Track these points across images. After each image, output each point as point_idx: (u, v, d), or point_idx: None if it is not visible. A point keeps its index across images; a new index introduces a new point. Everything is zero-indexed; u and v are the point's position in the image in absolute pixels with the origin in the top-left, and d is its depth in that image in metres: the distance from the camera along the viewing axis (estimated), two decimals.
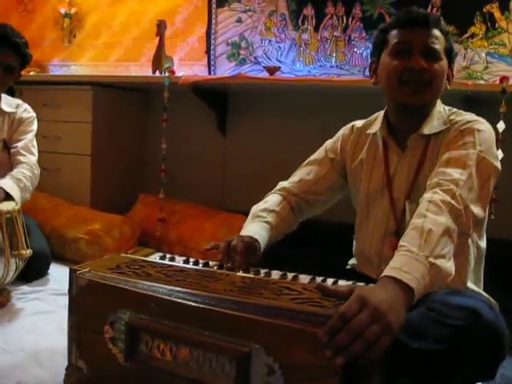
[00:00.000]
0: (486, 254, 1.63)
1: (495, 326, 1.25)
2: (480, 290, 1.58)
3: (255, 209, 1.74)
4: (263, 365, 1.08)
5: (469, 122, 1.52)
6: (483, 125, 1.53)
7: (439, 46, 1.55)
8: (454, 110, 1.63)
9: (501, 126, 2.31)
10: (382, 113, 1.70)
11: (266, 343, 1.08)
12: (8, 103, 2.55)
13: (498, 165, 1.48)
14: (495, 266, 1.83)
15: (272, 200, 1.77)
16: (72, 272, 1.34)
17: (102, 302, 1.28)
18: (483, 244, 1.61)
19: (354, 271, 1.78)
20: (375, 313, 1.04)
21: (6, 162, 2.49)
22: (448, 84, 1.61)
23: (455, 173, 1.39)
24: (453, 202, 1.32)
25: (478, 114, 2.54)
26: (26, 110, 2.58)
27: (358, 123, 1.79)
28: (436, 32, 1.56)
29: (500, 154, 2.27)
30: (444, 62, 1.56)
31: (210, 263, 1.46)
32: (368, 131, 1.73)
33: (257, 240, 1.56)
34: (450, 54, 1.60)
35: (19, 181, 2.35)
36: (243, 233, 1.61)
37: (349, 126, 1.82)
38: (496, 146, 2.18)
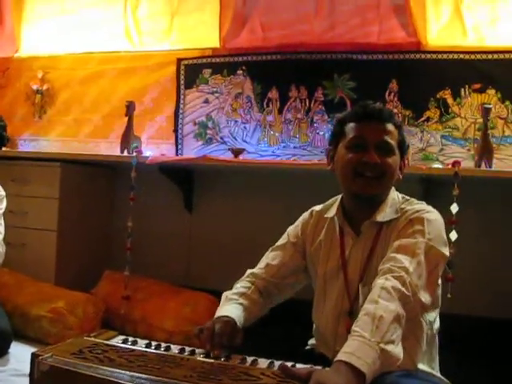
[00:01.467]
0: (443, 329, 1.69)
1: None
2: (432, 371, 1.62)
3: (226, 294, 1.79)
4: None
5: (418, 211, 1.60)
6: (432, 214, 1.61)
7: (392, 140, 1.65)
8: (407, 198, 1.72)
9: (454, 208, 2.39)
10: (339, 198, 1.78)
11: None
12: None
13: (446, 252, 1.56)
14: (451, 340, 1.89)
15: (241, 285, 1.81)
16: (34, 357, 1.35)
17: None
18: (436, 325, 1.66)
19: (313, 351, 1.81)
20: None
21: None
22: (400, 175, 1.70)
23: (405, 260, 1.46)
24: (403, 289, 1.39)
25: (433, 195, 2.70)
26: None
27: (317, 208, 1.87)
28: (389, 126, 1.66)
29: (454, 235, 2.37)
30: (396, 156, 1.66)
31: (172, 347, 1.48)
32: (326, 215, 1.80)
33: (235, 320, 1.60)
34: (403, 146, 1.70)
35: None
36: (219, 314, 1.64)
37: (308, 211, 1.89)
38: (449, 228, 2.30)
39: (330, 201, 1.84)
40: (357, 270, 1.67)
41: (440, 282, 1.61)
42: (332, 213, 1.77)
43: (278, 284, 1.84)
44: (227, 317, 1.60)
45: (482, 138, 2.74)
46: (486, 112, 2.72)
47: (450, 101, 3.07)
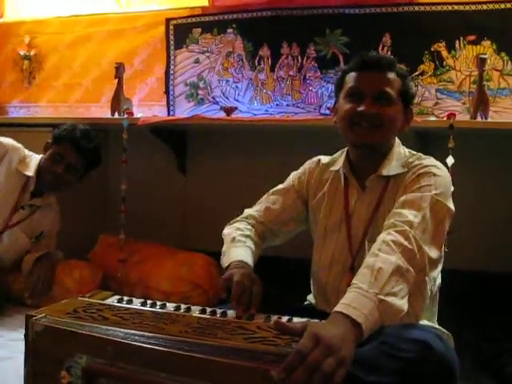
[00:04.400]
0: (443, 285, 1.69)
1: (446, 357, 1.29)
2: (432, 324, 1.62)
3: (231, 234, 1.75)
4: None
5: (426, 166, 1.57)
6: (440, 170, 1.58)
7: (392, 89, 1.61)
8: (414, 152, 1.68)
9: (450, 160, 2.37)
10: (345, 151, 1.75)
11: (221, 383, 1.10)
12: None
13: (452, 207, 1.53)
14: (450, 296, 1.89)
15: (243, 227, 1.78)
16: (28, 318, 1.34)
17: (58, 348, 1.28)
18: (438, 281, 1.65)
19: (312, 307, 1.80)
20: (329, 348, 1.08)
21: None
22: (406, 124, 1.67)
23: (410, 214, 1.43)
24: (405, 242, 1.36)
25: (428, 149, 2.66)
26: None
27: (324, 159, 1.83)
28: (390, 75, 1.62)
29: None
30: (398, 106, 1.62)
31: (168, 304, 1.47)
32: (331, 168, 1.77)
33: (251, 267, 1.59)
34: (407, 96, 1.66)
35: None
36: (232, 258, 1.62)
37: (315, 159, 1.85)
38: None
39: (337, 154, 1.81)
40: (361, 224, 1.66)
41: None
42: (338, 166, 1.74)
43: (275, 230, 1.82)
44: (243, 262, 1.58)
45: (478, 90, 2.71)
46: (481, 63, 2.68)
47: (444, 53, 3.03)
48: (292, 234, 1.88)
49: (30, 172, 2.66)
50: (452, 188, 1.58)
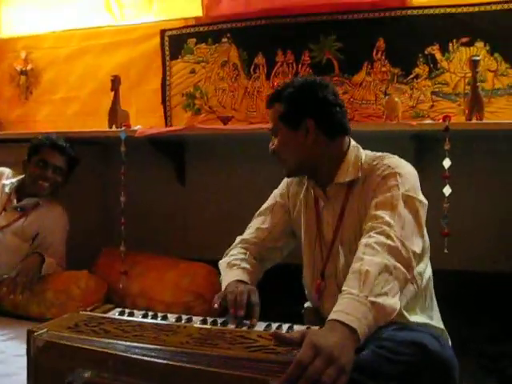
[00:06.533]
0: (442, 284, 1.69)
1: (442, 357, 1.32)
2: (428, 321, 1.63)
3: (226, 261, 1.80)
4: None
5: (389, 166, 1.61)
6: (404, 167, 1.62)
7: (271, 124, 1.75)
8: (378, 154, 1.71)
9: (446, 163, 2.37)
10: None
11: None
12: None
13: (424, 199, 1.57)
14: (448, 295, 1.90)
15: (236, 253, 1.83)
16: (29, 333, 1.35)
17: (60, 362, 1.29)
18: (428, 273, 1.67)
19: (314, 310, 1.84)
20: (329, 357, 1.10)
21: None
22: (310, 137, 1.69)
23: (385, 215, 1.47)
24: (388, 241, 1.40)
25: (425, 152, 2.67)
26: None
27: None
28: (269, 111, 1.76)
29: (448, 189, 2.37)
30: (277, 137, 1.73)
31: (169, 316, 1.48)
32: (304, 180, 1.83)
33: (247, 283, 1.63)
34: (286, 117, 1.70)
35: None
36: (228, 280, 1.67)
37: None
38: (443, 182, 2.29)
39: None
40: (330, 231, 1.71)
41: (426, 234, 1.60)
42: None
43: (270, 247, 1.87)
44: (240, 281, 1.63)
45: (472, 91, 2.71)
46: (474, 64, 2.69)
47: (438, 56, 3.03)
48: (288, 249, 1.92)
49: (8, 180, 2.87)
50: (418, 182, 1.61)
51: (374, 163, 1.66)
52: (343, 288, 1.32)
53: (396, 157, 1.68)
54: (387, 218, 1.46)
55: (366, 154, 1.72)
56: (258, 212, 1.93)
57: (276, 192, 1.93)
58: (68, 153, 2.87)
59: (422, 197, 1.57)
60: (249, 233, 1.89)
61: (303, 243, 1.81)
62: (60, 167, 2.86)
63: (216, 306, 1.57)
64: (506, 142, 2.76)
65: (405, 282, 1.39)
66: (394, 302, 1.29)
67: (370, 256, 1.36)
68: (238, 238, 1.90)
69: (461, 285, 2.63)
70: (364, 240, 1.44)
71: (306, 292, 1.85)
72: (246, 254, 1.81)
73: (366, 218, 1.54)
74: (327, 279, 1.55)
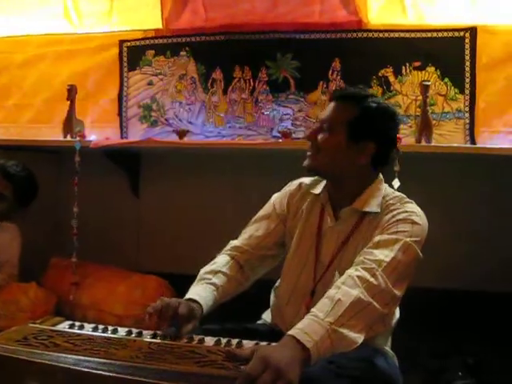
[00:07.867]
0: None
1: (387, 374, 1.37)
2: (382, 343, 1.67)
3: (202, 271, 1.75)
4: None
5: (407, 212, 1.60)
6: (419, 218, 1.61)
7: (332, 118, 1.67)
8: (398, 194, 1.71)
9: (396, 183, 2.43)
10: None
11: None
12: None
13: (421, 254, 1.57)
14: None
15: (219, 261, 1.78)
16: None
17: (8, 376, 1.27)
18: (397, 316, 1.72)
19: (265, 326, 1.84)
20: (277, 371, 1.12)
21: None
22: (359, 157, 1.65)
23: (381, 254, 1.47)
24: (371, 279, 1.40)
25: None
26: None
27: (306, 181, 1.86)
28: (336, 105, 1.69)
29: None
30: (331, 135, 1.66)
31: (119, 329, 1.48)
32: (312, 190, 1.80)
33: (197, 301, 1.57)
34: (355, 128, 1.63)
35: None
36: (187, 296, 1.61)
37: (296, 182, 1.88)
38: None
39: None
40: (329, 253, 1.69)
41: None
42: (319, 190, 1.78)
43: (261, 256, 1.83)
44: (192, 300, 1.57)
45: (422, 115, 2.82)
46: (424, 89, 2.80)
47: (391, 78, 3.12)
48: (279, 258, 1.88)
49: None
50: (425, 237, 1.60)
51: (393, 202, 1.65)
52: (312, 309, 1.34)
53: (414, 203, 1.67)
54: (381, 257, 1.46)
55: (386, 190, 1.71)
56: (254, 217, 1.88)
57: (275, 199, 1.89)
58: (17, 180, 2.85)
59: (420, 251, 1.56)
60: (241, 239, 1.85)
61: (290, 255, 1.79)
62: (2, 194, 2.83)
63: (147, 318, 1.52)
64: (456, 163, 2.89)
65: (377, 319, 1.42)
66: (356, 336, 1.31)
67: (347, 287, 1.38)
68: (230, 243, 1.86)
69: (407, 300, 2.68)
70: (350, 271, 1.45)
71: (277, 302, 1.83)
72: (227, 263, 1.77)
73: (362, 251, 1.53)
74: (316, 300, 1.53)
